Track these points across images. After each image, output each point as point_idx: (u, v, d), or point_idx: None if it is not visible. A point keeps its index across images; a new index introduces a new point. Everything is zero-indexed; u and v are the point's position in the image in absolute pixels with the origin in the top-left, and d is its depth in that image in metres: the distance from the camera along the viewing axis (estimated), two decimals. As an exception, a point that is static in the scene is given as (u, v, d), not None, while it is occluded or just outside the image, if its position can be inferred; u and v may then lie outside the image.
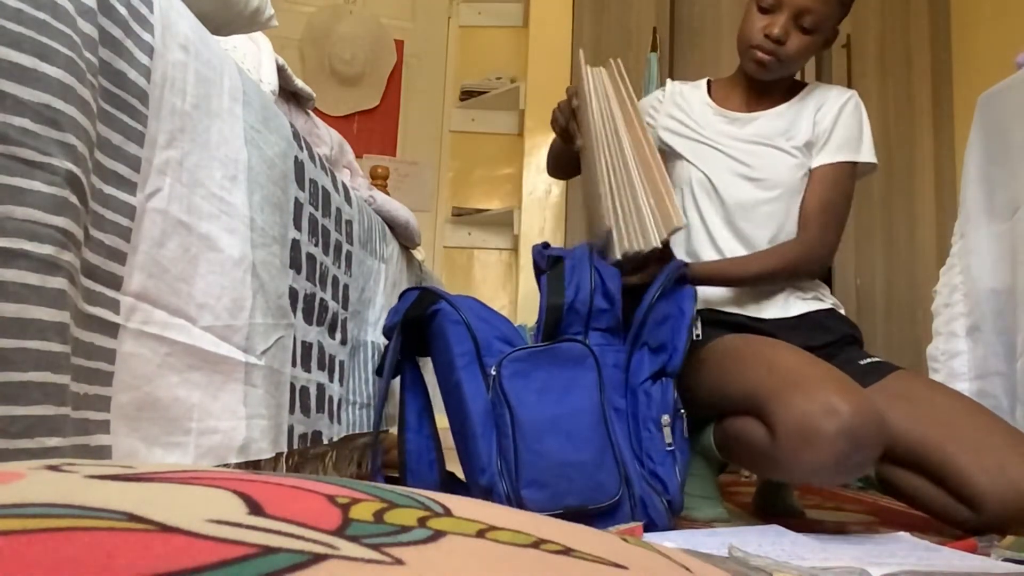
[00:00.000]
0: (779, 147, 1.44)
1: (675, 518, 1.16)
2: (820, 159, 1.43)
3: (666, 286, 1.24)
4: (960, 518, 1.11)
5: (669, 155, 1.53)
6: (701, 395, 1.27)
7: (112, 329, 0.62)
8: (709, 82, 1.57)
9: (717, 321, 1.38)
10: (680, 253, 1.48)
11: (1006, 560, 0.92)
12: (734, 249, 1.42)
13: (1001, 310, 1.42)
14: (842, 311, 1.47)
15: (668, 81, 1.61)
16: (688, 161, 1.48)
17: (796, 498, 1.42)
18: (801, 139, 1.44)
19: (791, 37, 1.36)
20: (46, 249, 0.50)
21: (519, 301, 3.00)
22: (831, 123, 1.43)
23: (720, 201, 1.44)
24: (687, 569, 0.33)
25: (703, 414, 1.29)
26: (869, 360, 1.33)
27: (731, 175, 1.45)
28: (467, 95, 3.50)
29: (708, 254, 1.44)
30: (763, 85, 1.47)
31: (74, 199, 0.53)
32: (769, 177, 1.43)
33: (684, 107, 1.53)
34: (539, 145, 3.10)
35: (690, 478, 1.30)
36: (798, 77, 1.56)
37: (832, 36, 1.43)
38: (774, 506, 1.41)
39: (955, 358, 1.53)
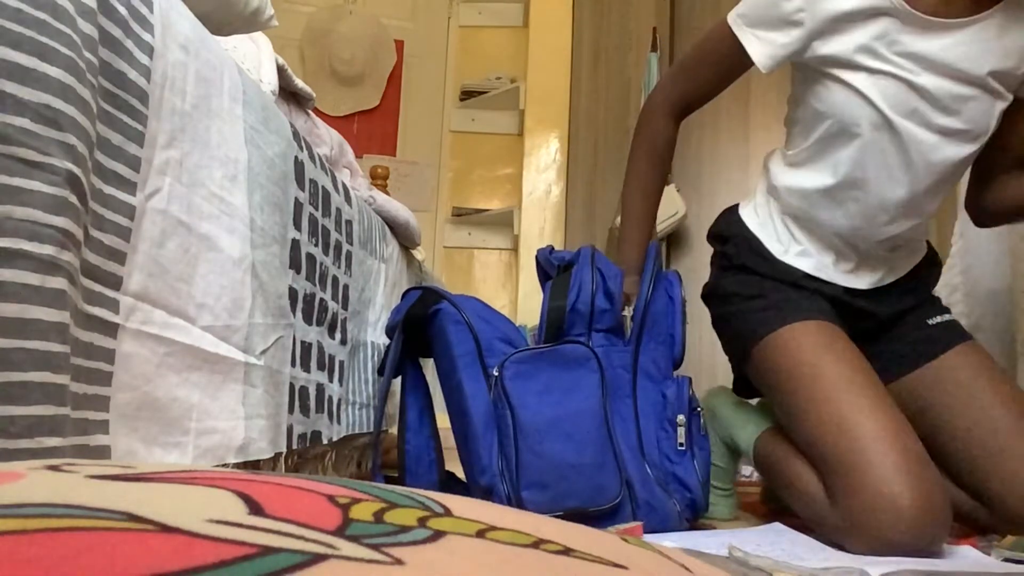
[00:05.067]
0: (988, 87, 1.05)
1: (699, 516, 1.17)
2: None
3: (656, 273, 1.24)
4: (972, 515, 1.12)
5: (816, 84, 1.10)
6: (756, 378, 1.22)
7: (111, 329, 0.62)
8: None
9: (803, 287, 1.22)
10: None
11: (1006, 560, 0.92)
12: (891, 232, 1.16)
13: (1001, 310, 1.43)
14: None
15: None
16: (863, 96, 1.06)
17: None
18: (1012, 63, 1.05)
19: None
20: (46, 249, 0.50)
21: (519, 301, 3.00)
22: None
23: (906, 165, 1.08)
24: (687, 569, 0.33)
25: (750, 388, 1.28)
26: (940, 319, 1.24)
27: (926, 130, 1.06)
28: (467, 95, 3.50)
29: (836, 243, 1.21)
30: None
31: (74, 199, 0.53)
32: (973, 129, 1.07)
33: (845, 12, 1.05)
34: (539, 145, 3.10)
35: (712, 468, 1.30)
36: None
37: None
38: (779, 501, 1.41)
39: (955, 358, 1.53)
